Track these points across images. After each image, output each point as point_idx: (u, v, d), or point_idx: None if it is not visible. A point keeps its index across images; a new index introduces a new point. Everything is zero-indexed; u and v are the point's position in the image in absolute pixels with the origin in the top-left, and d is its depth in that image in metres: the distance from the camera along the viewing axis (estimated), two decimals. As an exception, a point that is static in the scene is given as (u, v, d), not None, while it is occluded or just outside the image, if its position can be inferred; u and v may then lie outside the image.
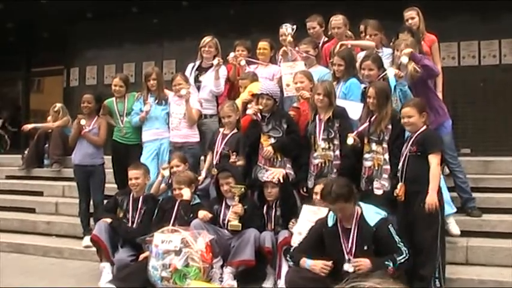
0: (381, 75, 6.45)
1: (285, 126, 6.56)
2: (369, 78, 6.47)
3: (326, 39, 7.94)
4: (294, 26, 7.63)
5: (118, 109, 8.03)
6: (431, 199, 5.36)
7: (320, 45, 7.74)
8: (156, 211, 6.76)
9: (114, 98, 8.12)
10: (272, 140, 6.54)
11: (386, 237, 5.06)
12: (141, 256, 6.26)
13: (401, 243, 5.04)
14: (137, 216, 6.75)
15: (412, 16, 7.50)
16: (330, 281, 5.04)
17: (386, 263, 4.93)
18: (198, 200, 6.67)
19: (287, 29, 7.62)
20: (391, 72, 6.35)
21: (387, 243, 5.06)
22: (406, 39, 6.68)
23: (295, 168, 6.53)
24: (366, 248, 5.07)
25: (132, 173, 6.88)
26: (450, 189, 6.67)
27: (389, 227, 5.10)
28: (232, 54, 7.80)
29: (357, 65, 6.82)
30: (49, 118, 10.36)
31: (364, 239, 5.10)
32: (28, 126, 10.80)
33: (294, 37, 7.63)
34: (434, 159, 5.49)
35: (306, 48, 7.37)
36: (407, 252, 5.02)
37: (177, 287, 5.85)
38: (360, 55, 7.01)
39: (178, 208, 6.52)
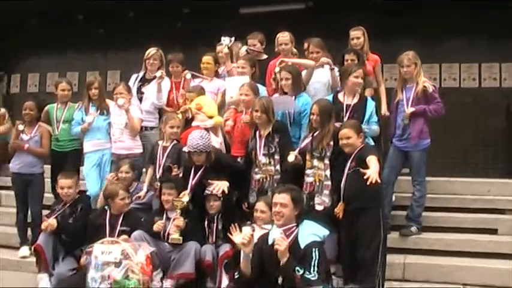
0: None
1: (225, 172, 6.51)
2: (357, 86, 6.61)
3: (266, 56, 8.00)
4: (232, 38, 7.68)
5: (56, 115, 7.93)
6: (373, 171, 5.37)
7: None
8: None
9: (55, 104, 8.03)
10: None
11: (307, 256, 5.02)
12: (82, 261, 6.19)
13: (316, 267, 4.93)
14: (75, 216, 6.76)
15: (358, 36, 7.69)
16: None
17: (297, 268, 4.90)
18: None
19: (225, 41, 7.69)
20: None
21: (305, 260, 5.01)
22: (407, 53, 7.02)
23: (236, 185, 6.54)
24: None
25: (64, 182, 6.83)
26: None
27: (313, 249, 5.01)
28: (189, 75, 7.79)
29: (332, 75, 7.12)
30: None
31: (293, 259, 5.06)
32: None
33: (231, 49, 7.72)
34: (372, 157, 5.60)
35: (242, 64, 7.35)
36: (315, 277, 4.88)
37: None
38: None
39: (110, 222, 6.53)
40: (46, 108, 8.09)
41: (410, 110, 6.89)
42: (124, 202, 6.59)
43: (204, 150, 6.42)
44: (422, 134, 6.98)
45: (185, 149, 6.59)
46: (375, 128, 6.55)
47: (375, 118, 6.61)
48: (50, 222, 6.51)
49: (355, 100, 6.59)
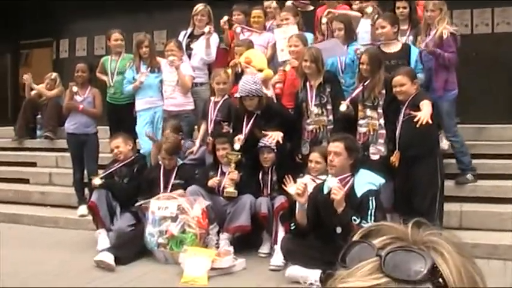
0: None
1: (276, 121, 6.48)
2: (382, 36, 6.54)
3: (312, 8, 7.93)
4: None
5: (111, 67, 8.07)
6: (424, 113, 5.32)
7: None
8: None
9: (109, 56, 8.20)
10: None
11: (363, 205, 5.03)
12: None
13: (373, 216, 4.93)
14: (131, 176, 6.86)
15: None
16: (321, 245, 5.16)
17: (354, 217, 4.90)
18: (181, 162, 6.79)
19: None
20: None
21: (361, 209, 5.02)
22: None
23: (288, 136, 6.51)
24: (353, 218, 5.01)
25: (112, 143, 6.96)
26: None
27: (370, 198, 5.01)
28: (225, 18, 7.83)
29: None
30: (42, 86, 10.21)
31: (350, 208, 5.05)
32: (28, 78, 10.27)
33: (278, 3, 7.75)
34: (425, 101, 5.55)
35: (285, 15, 7.42)
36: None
37: (174, 253, 5.90)
38: None
39: (165, 176, 6.62)
40: (101, 60, 8.31)
41: (422, 46, 6.59)
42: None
43: (256, 94, 6.40)
44: (448, 85, 6.68)
45: (237, 94, 6.59)
46: (421, 76, 6.40)
47: (420, 66, 6.51)
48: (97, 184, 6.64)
49: (396, 49, 6.54)
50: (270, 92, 6.92)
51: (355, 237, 1.02)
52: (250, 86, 6.37)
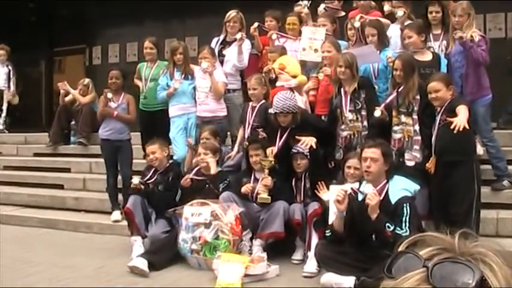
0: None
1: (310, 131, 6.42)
2: (410, 45, 6.51)
3: (343, 13, 7.95)
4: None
5: (145, 73, 8.18)
6: (461, 118, 5.27)
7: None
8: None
9: (145, 63, 8.33)
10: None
11: (398, 211, 4.99)
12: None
13: (407, 223, 4.88)
14: (165, 184, 6.84)
15: None
16: (356, 252, 5.15)
17: (388, 224, 4.86)
18: (219, 168, 6.77)
19: (303, 1, 7.77)
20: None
21: (396, 216, 4.97)
22: (461, 3, 6.62)
23: (322, 142, 6.46)
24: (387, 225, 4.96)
25: (148, 149, 6.98)
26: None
27: (404, 204, 4.98)
28: (255, 24, 7.85)
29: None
30: (75, 92, 10.32)
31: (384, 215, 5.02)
32: (65, 85, 10.25)
33: (310, 9, 7.79)
34: (462, 106, 5.49)
35: (323, 21, 7.46)
36: (407, 233, 4.77)
37: (207, 259, 5.91)
38: None
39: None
40: (138, 66, 8.47)
41: (458, 34, 6.34)
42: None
43: (290, 111, 6.35)
44: (483, 90, 6.58)
45: (271, 110, 6.54)
46: None
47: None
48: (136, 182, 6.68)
49: (428, 57, 6.50)
50: (303, 98, 6.91)
51: (401, 248, 1.01)
52: (283, 102, 6.33)
